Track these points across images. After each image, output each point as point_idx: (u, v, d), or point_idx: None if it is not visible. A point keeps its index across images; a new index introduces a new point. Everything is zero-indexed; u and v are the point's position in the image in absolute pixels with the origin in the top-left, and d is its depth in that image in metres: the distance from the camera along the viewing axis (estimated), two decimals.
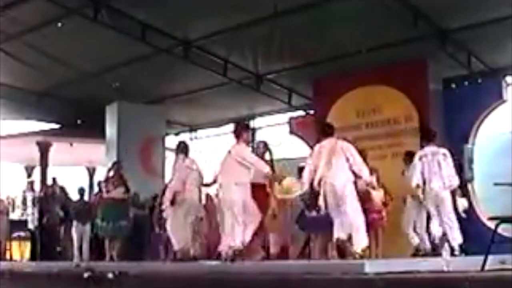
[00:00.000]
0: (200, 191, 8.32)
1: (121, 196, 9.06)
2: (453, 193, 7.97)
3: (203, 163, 9.28)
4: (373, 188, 7.83)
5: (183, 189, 7.97)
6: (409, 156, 8.58)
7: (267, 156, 7.82)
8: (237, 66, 12.36)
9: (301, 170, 8.28)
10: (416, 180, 7.76)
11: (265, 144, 8.04)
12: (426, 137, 8.16)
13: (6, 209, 12.83)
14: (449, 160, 7.81)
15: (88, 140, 15.09)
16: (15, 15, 10.28)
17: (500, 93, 10.78)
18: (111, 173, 9.35)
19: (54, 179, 13.58)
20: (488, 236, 4.74)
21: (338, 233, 6.80)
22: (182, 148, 8.40)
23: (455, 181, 7.85)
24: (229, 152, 7.19)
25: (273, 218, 8.07)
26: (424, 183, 7.75)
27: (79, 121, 15.54)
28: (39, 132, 15.68)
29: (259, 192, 7.33)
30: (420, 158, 7.85)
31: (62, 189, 13.00)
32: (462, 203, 8.10)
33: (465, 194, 8.13)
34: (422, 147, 8.15)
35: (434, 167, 7.72)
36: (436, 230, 7.69)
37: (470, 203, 10.32)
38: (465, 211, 8.41)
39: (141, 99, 13.96)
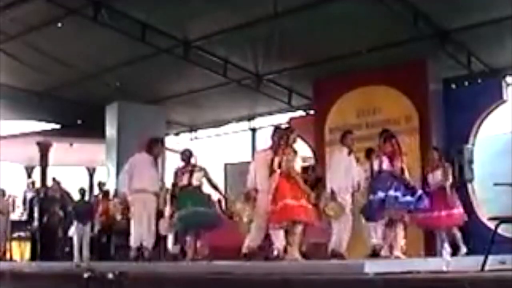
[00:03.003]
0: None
1: (199, 183, 8.21)
2: None
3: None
4: None
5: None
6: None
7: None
8: (237, 66, 12.36)
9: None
10: None
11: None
12: None
13: (6, 209, 12.82)
14: None
15: (88, 140, 15.08)
16: (15, 15, 10.28)
17: (500, 93, 10.78)
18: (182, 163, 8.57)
19: (54, 179, 13.58)
20: (488, 236, 4.74)
21: None
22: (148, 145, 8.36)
23: None
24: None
25: None
26: None
27: (79, 121, 15.54)
28: (39, 132, 15.67)
29: None
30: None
31: (62, 189, 13.01)
32: None
33: None
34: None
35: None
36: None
37: (470, 203, 10.34)
38: None
39: (141, 99, 13.96)
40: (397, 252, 6.78)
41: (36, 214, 12.59)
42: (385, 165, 6.88)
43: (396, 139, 7.05)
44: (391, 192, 6.70)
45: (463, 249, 8.30)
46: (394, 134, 7.24)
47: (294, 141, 6.91)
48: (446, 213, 8.29)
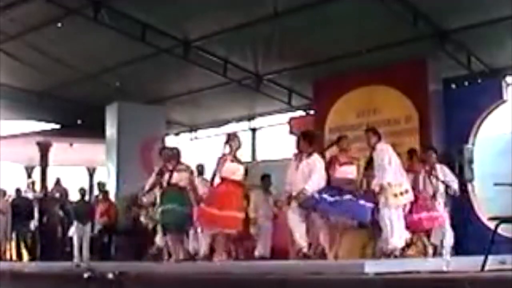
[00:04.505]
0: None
1: (185, 183, 8.06)
2: None
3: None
4: None
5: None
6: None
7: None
8: (237, 66, 12.36)
9: None
10: None
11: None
12: None
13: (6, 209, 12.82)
14: None
15: (88, 140, 15.10)
16: (15, 15, 10.30)
17: (500, 93, 10.76)
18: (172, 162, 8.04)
19: (58, 180, 13.59)
20: (488, 236, 4.73)
21: None
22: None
23: None
24: None
25: None
26: None
27: (79, 121, 15.56)
28: (39, 132, 15.69)
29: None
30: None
31: (65, 191, 13.02)
32: None
33: None
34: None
35: None
36: None
37: (470, 203, 10.33)
38: None
39: (141, 99, 13.97)
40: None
41: (36, 214, 12.60)
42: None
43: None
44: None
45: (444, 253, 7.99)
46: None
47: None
48: (426, 215, 8.07)
